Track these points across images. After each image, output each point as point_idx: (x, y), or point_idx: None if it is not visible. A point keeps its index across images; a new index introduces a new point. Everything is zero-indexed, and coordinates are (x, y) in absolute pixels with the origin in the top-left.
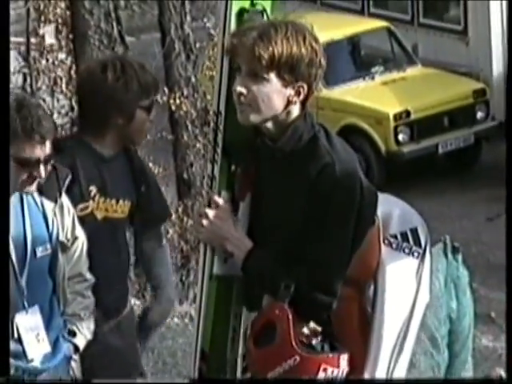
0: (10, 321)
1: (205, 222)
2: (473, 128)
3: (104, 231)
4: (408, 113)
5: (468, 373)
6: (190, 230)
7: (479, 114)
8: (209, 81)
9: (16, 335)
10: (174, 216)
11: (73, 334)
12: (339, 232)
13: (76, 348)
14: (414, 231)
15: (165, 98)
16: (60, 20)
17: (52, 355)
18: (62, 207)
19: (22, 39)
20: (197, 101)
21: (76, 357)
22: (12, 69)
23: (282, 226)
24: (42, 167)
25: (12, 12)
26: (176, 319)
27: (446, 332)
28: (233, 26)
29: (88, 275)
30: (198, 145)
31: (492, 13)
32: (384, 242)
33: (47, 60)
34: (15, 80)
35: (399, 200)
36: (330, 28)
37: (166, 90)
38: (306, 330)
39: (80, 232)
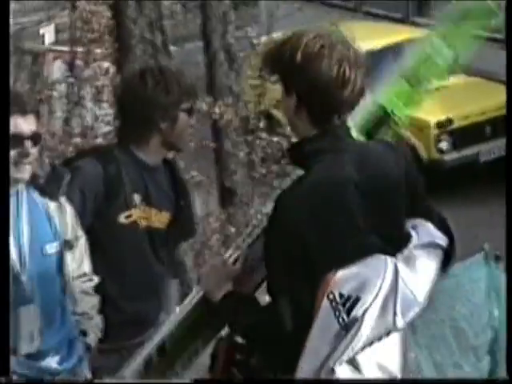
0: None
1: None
2: None
3: (145, 240)
4: (450, 121)
5: None
6: (232, 237)
7: None
8: (251, 89)
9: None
10: (216, 224)
11: (84, 333)
12: None
13: (88, 347)
14: (355, 300)
15: (207, 107)
16: (105, 30)
17: (68, 355)
18: (62, 207)
19: (66, 48)
20: (239, 109)
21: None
22: (56, 78)
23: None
24: (29, 143)
25: (58, 21)
26: None
27: (487, 340)
28: None
29: (92, 275)
30: (240, 153)
31: None
32: (328, 296)
33: (91, 69)
34: (60, 89)
35: (379, 264)
36: (373, 37)
37: (208, 98)
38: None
39: (81, 232)
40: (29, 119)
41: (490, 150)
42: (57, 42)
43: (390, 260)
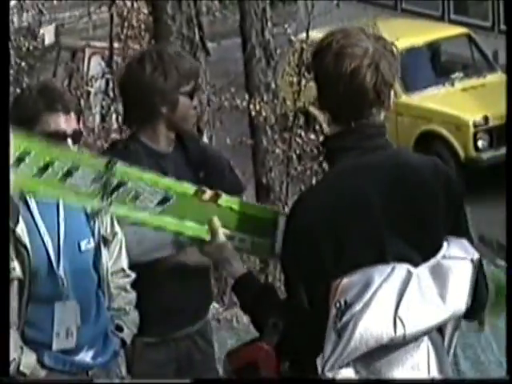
0: (51, 311)
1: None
2: None
3: None
4: (487, 119)
5: None
6: None
7: None
8: (289, 86)
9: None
10: None
11: (120, 328)
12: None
13: (123, 342)
14: (349, 306)
15: (245, 103)
16: (143, 26)
17: (102, 350)
18: None
19: (105, 44)
20: (276, 106)
21: (122, 353)
22: (95, 74)
23: None
24: (70, 141)
25: (95, 17)
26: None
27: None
28: None
29: (129, 271)
30: (277, 150)
31: None
32: (336, 304)
33: None
34: (98, 85)
35: (384, 271)
36: (411, 34)
37: (246, 95)
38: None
39: (118, 228)
40: (70, 117)
41: None
42: (95, 38)
43: (399, 267)
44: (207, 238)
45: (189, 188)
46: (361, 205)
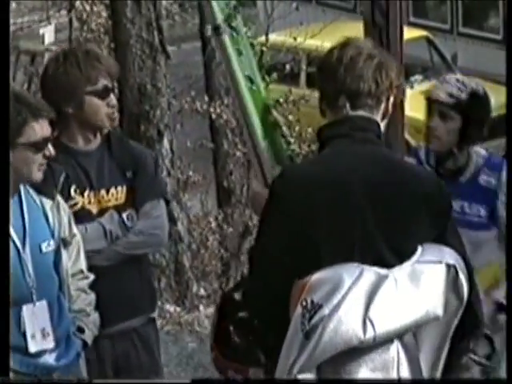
0: (18, 314)
1: None
2: None
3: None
4: None
5: None
6: (229, 237)
7: None
8: None
9: (22, 328)
10: (214, 224)
11: (81, 330)
12: None
13: (85, 344)
14: (317, 305)
15: (205, 107)
16: (102, 29)
17: (65, 352)
18: (58, 205)
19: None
20: (237, 109)
21: (82, 354)
22: None
23: None
24: (49, 145)
25: (55, 21)
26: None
27: None
28: None
29: (87, 272)
30: (237, 153)
31: None
32: (302, 302)
33: None
34: None
35: (353, 272)
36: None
37: (206, 98)
38: None
39: (76, 229)
40: (47, 123)
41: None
42: (54, 42)
43: (368, 269)
44: None
45: None
46: (340, 188)
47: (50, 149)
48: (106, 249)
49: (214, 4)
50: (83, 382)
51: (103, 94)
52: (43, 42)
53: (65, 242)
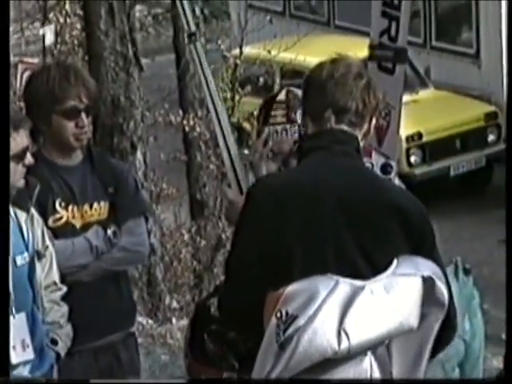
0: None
1: None
2: (484, 150)
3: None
4: (420, 135)
5: None
6: (202, 250)
7: (491, 137)
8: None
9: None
10: (187, 236)
11: (55, 342)
12: None
13: (58, 356)
14: (292, 316)
15: (179, 119)
16: (76, 41)
17: (40, 363)
18: (32, 217)
19: (37, 60)
20: (210, 122)
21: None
22: None
23: None
24: (28, 154)
25: (28, 33)
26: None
27: (457, 353)
28: None
29: (60, 284)
30: (211, 166)
31: (504, 36)
32: (276, 314)
33: None
34: None
35: (327, 284)
36: (344, 51)
37: (180, 110)
38: None
39: (49, 241)
40: (22, 134)
41: (460, 163)
42: (28, 54)
43: (343, 281)
44: None
45: None
46: (314, 200)
47: (29, 157)
48: (91, 264)
49: (188, 12)
50: (82, 382)
51: (71, 114)
52: (43, 42)
53: (39, 255)
